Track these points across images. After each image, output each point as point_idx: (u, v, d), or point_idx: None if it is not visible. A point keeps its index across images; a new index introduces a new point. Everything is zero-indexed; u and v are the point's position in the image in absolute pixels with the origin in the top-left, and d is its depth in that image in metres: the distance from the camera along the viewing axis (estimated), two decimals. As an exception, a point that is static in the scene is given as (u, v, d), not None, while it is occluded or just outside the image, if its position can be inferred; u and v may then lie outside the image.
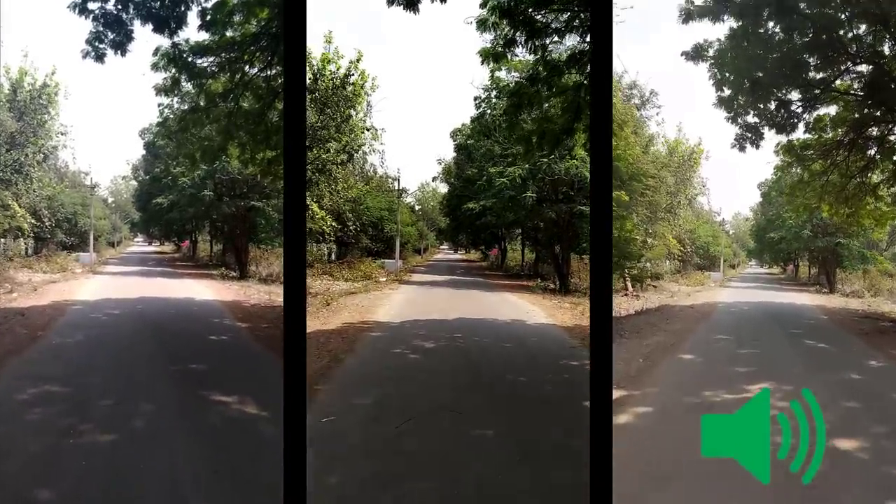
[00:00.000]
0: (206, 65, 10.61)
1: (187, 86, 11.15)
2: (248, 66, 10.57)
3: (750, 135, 11.89)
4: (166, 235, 19.56)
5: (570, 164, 15.15)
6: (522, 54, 10.26)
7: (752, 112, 11.77)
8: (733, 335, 11.59)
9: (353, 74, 15.22)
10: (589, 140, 9.79)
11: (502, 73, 14.69)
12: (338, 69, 15.14)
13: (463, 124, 17.98)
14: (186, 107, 11.71)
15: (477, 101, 16.64)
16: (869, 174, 12.62)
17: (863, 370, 9.27)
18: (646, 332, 11.58)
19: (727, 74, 11.49)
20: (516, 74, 12.93)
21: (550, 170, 15.24)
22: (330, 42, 14.95)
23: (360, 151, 16.28)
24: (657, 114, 15.92)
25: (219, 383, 7.84)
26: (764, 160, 15.76)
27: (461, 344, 10.84)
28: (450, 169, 18.96)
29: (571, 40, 9.95)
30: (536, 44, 9.91)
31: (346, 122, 15.43)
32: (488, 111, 16.64)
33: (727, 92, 11.64)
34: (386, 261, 18.28)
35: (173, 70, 10.55)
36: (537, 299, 15.54)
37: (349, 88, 15.25)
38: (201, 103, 11.06)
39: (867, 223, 13.82)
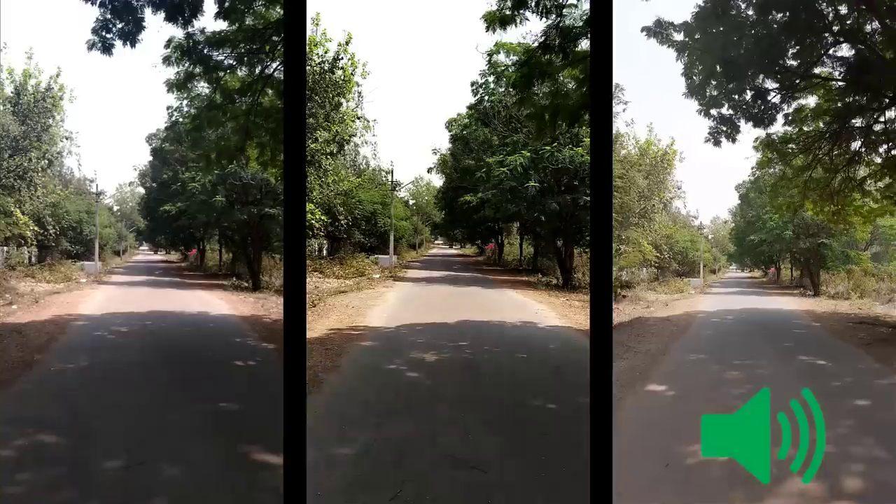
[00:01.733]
0: (222, 58, 9.87)
1: (200, 86, 10.42)
2: (269, 59, 9.75)
3: (725, 128, 10.84)
4: (173, 244, 18.98)
5: (575, 153, 14.40)
6: (531, 26, 9.36)
7: (726, 104, 10.79)
8: (715, 354, 10.04)
9: (342, 58, 14.39)
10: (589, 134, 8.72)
11: (501, 57, 14.11)
12: (325, 52, 14.29)
13: (458, 114, 17.30)
14: (197, 108, 10.94)
15: (474, 88, 15.99)
16: (855, 168, 11.77)
17: (875, 395, 7.78)
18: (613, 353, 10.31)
19: (695, 59, 10.43)
20: (515, 58, 12.13)
21: (554, 158, 14.48)
22: (317, 24, 14.12)
23: (350, 142, 15.59)
24: (623, 110, 14.65)
25: (261, 433, 6.16)
26: (741, 156, 14.66)
27: (468, 355, 9.52)
28: (445, 160, 18.19)
29: (587, 2, 8.84)
30: (549, 5, 8.89)
31: (336, 111, 14.63)
32: (486, 98, 15.95)
33: (697, 80, 10.63)
34: (380, 256, 17.61)
35: (187, 63, 9.78)
36: (543, 296, 14.65)
37: (338, 73, 14.42)
38: (217, 100, 10.22)
39: (855, 220, 12.86)
